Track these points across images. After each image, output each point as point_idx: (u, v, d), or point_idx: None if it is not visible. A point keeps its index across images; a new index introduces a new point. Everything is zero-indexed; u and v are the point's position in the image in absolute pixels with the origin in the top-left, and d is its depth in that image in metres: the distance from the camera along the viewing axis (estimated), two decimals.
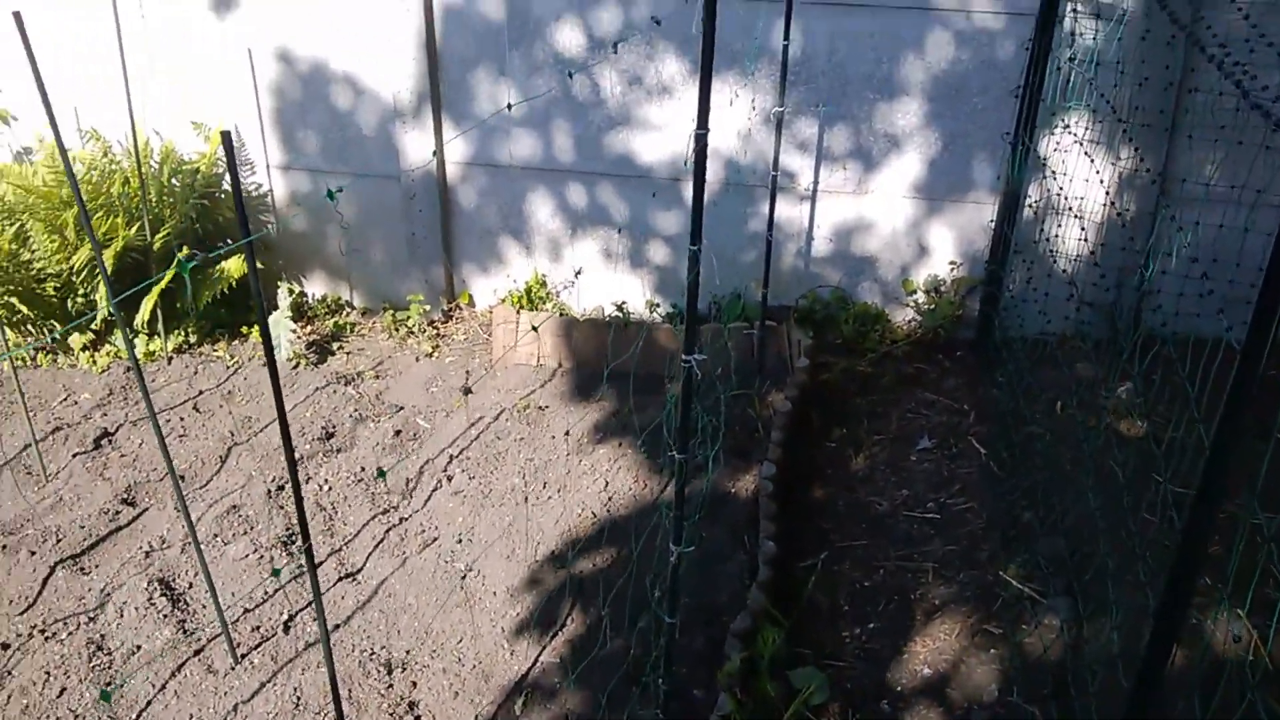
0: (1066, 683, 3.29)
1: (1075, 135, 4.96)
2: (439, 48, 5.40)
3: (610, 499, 4.36)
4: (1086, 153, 4.76)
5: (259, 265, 5.47)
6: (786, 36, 4.66)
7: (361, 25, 5.37)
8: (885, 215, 5.39)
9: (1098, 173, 4.72)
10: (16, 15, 2.75)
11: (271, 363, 2.33)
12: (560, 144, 5.51)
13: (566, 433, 4.81)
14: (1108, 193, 4.83)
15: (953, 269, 5.43)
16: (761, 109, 5.22)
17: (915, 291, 5.50)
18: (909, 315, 5.54)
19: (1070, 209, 4.94)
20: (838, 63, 5.10)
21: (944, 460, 4.59)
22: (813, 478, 4.50)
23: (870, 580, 3.91)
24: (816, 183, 5.38)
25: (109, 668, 3.49)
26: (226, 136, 2.05)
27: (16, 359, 5.34)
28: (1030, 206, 5.20)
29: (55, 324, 5.33)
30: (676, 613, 3.11)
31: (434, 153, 5.48)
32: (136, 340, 5.36)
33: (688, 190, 5.46)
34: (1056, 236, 5.15)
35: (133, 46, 5.51)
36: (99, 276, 5.06)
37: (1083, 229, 4.90)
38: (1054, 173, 5.01)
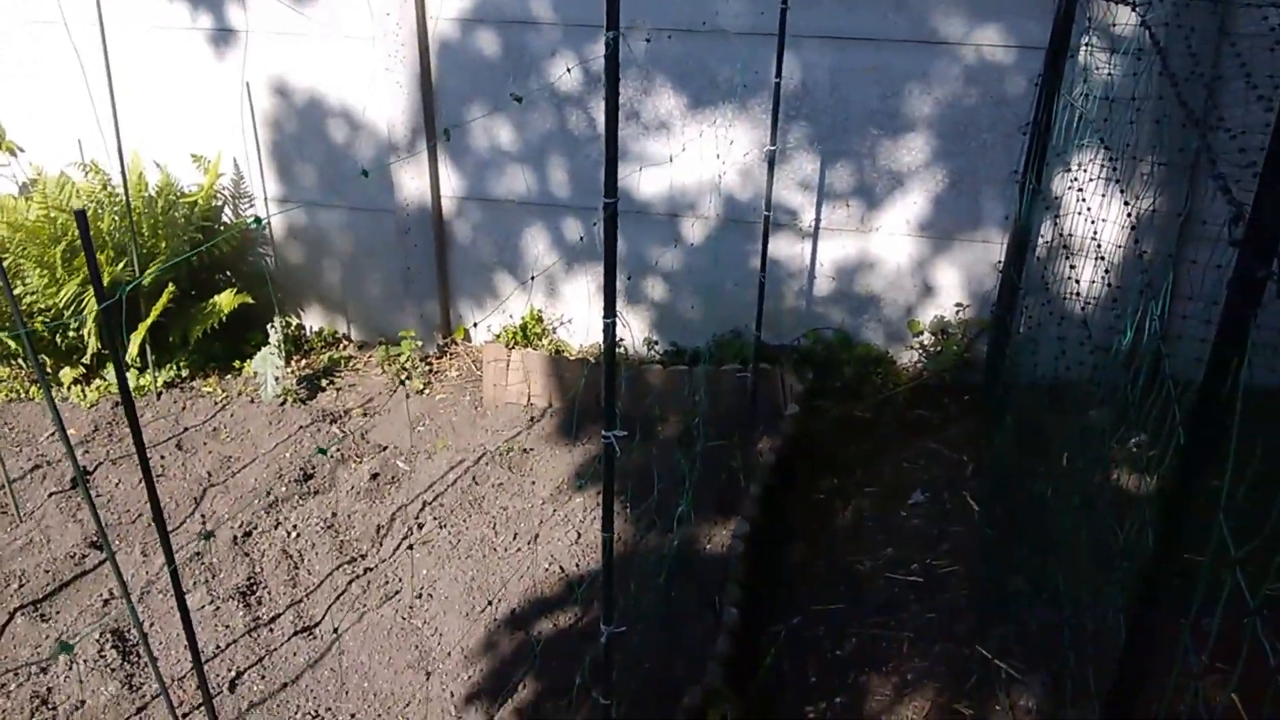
0: None
1: (1088, 173, 4.72)
2: (435, 83, 5.32)
3: (581, 553, 4.22)
4: (1101, 192, 4.52)
5: (252, 299, 5.48)
6: (778, 74, 4.50)
7: (357, 60, 5.31)
8: (890, 253, 5.19)
9: (1112, 212, 4.48)
10: None
11: (130, 409, 2.23)
12: (556, 179, 5.39)
13: (533, 483, 4.68)
14: (1127, 232, 4.59)
15: (959, 310, 5.20)
16: (759, 144, 5.05)
17: (921, 333, 5.28)
18: (914, 358, 5.33)
19: (1082, 249, 4.70)
20: (839, 98, 4.92)
21: (935, 516, 4.37)
22: (794, 534, 4.32)
23: (842, 649, 3.72)
24: (818, 220, 5.20)
25: None
26: None
27: (11, 392, 5.36)
28: (1040, 247, 4.96)
29: (45, 358, 5.33)
30: (610, 694, 2.96)
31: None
32: (127, 375, 5.35)
33: (686, 226, 5.31)
34: (1068, 278, 4.90)
35: (135, 77, 5.52)
36: (85, 311, 5.05)
37: (1098, 270, 4.66)
38: (1065, 212, 4.77)
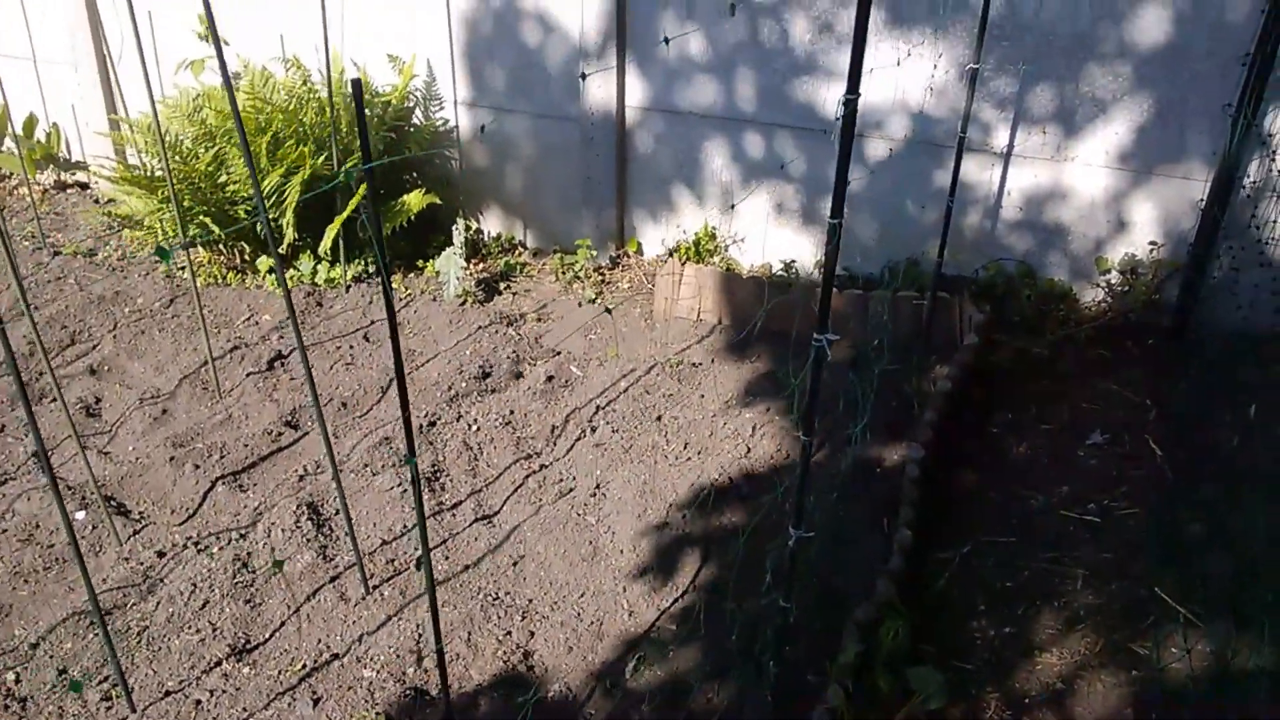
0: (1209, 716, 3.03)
1: None
2: None
3: (750, 466, 4.28)
4: None
5: (439, 200, 5.64)
6: None
7: None
8: (1084, 184, 5.00)
9: None
10: None
11: (390, 309, 2.35)
12: (742, 92, 5.35)
13: (702, 396, 4.74)
14: None
15: (1153, 250, 5.00)
16: (957, 63, 4.90)
17: (1109, 271, 5.10)
18: (1099, 296, 5.16)
19: None
20: (1045, 18, 4.72)
21: (1114, 458, 4.27)
22: (967, 464, 4.28)
23: (1012, 580, 3.70)
24: (1011, 145, 5.04)
25: (250, 585, 3.69)
26: None
27: (209, 277, 5.68)
28: (1248, 187, 4.71)
29: (245, 245, 5.62)
30: (791, 598, 3.03)
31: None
32: (319, 267, 5.60)
33: (871, 146, 5.23)
34: (1275, 222, 4.66)
35: None
36: (286, 201, 5.30)
37: None
38: (1278, 151, 4.52)
